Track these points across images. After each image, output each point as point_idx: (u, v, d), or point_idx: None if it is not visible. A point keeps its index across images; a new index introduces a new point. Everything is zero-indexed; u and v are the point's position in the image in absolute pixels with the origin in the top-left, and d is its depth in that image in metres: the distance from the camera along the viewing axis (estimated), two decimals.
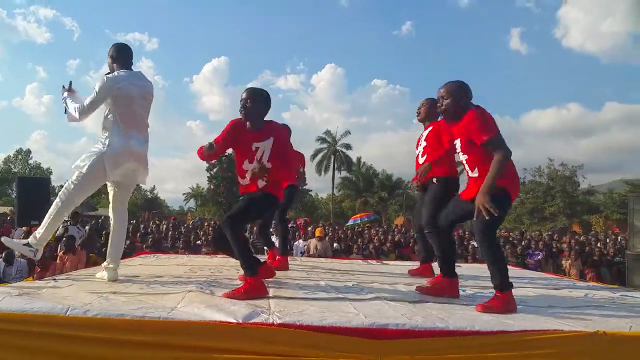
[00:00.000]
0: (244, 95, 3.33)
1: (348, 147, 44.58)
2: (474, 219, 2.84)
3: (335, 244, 10.51)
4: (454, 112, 3.06)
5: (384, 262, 6.55)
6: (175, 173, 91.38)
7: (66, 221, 9.05)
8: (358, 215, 24.99)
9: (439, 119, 4.06)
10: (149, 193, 51.23)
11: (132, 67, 3.62)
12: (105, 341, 2.17)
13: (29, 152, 52.80)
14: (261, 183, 3.30)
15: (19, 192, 10.31)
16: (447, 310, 2.71)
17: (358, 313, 2.52)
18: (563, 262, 9.81)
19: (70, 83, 3.63)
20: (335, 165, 44.23)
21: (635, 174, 42.76)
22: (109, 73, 3.51)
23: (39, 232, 3.42)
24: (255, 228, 8.59)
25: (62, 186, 3.54)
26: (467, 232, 11.86)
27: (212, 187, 38.04)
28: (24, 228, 9.03)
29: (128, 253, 6.25)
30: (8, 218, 13.68)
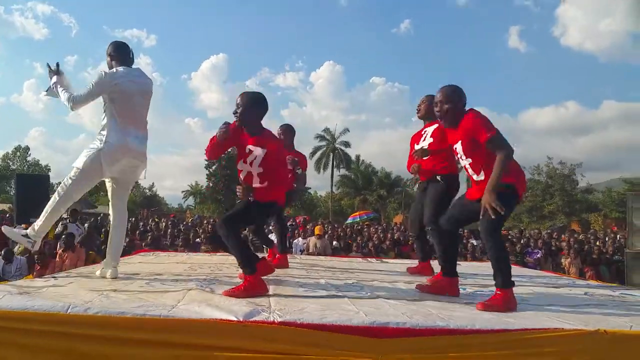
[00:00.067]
0: (238, 101, 3.31)
1: (347, 144, 44.67)
2: (480, 217, 2.84)
3: (334, 242, 10.51)
4: (452, 117, 3.06)
5: (384, 260, 6.55)
6: (174, 170, 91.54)
7: (65, 219, 9.05)
8: (357, 213, 25.03)
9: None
10: (147, 190, 51.28)
11: (133, 65, 3.62)
12: (106, 339, 2.17)
13: (27, 149, 52.83)
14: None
15: (18, 189, 10.29)
16: (448, 309, 2.71)
17: (358, 311, 2.52)
18: (562, 260, 9.82)
19: (58, 65, 3.58)
20: (334, 163, 44.27)
21: (634, 173, 42.83)
22: None
23: (37, 224, 3.45)
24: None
25: (59, 183, 3.55)
26: (465, 231, 11.86)
27: (211, 184, 38.04)
28: (22, 225, 9.00)
29: (127, 251, 6.24)
30: (7, 215, 13.65)
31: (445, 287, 3.27)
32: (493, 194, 2.76)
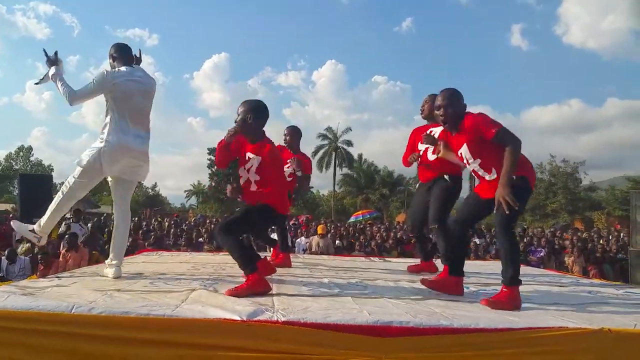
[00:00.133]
0: (239, 110, 3.32)
1: (349, 143, 44.65)
2: (494, 212, 2.84)
3: (337, 241, 10.51)
4: (455, 120, 3.06)
5: (387, 259, 6.55)
6: (176, 170, 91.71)
7: (68, 219, 9.07)
8: (360, 212, 25.03)
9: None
10: (150, 190, 51.38)
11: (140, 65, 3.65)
12: (110, 339, 2.17)
13: (30, 149, 53.00)
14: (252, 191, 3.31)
15: (21, 189, 10.32)
16: (451, 308, 2.71)
17: (362, 310, 2.52)
18: (565, 258, 9.81)
19: (56, 53, 3.57)
20: (337, 162, 44.27)
21: (637, 171, 42.90)
22: None
23: (42, 221, 3.54)
24: None
25: (63, 183, 3.59)
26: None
27: (213, 184, 38.09)
28: None
29: (130, 250, 6.25)
30: (10, 215, 13.70)
31: (450, 285, 3.25)
32: (507, 187, 2.76)
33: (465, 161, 3.12)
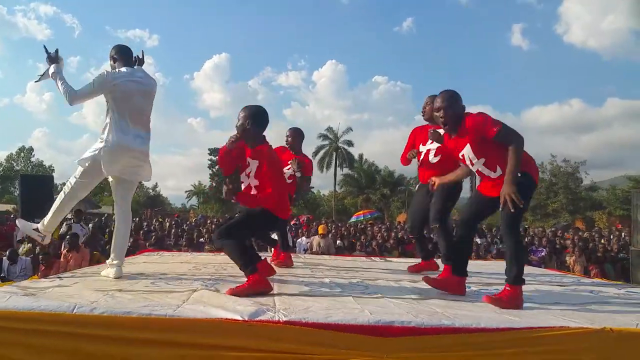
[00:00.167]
0: (239, 116, 3.33)
1: (350, 144, 44.66)
2: (500, 210, 2.84)
3: (338, 241, 10.51)
4: (455, 121, 3.06)
5: (388, 259, 6.55)
6: (176, 170, 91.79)
7: (69, 219, 9.08)
8: (361, 212, 25.04)
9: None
10: (151, 191, 51.39)
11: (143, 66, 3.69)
12: (112, 339, 2.17)
13: (31, 149, 52.96)
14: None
15: (22, 190, 10.33)
16: (453, 308, 2.70)
17: (363, 310, 2.52)
18: (567, 258, 9.80)
19: (57, 51, 3.58)
20: (337, 162, 44.27)
21: (638, 170, 42.73)
22: None
23: (46, 219, 3.62)
24: None
25: (64, 184, 3.63)
26: None
27: (214, 184, 38.12)
28: None
29: (131, 251, 6.24)
30: (12, 216, 13.71)
31: (453, 284, 3.24)
32: (513, 185, 2.77)
33: (468, 162, 3.10)
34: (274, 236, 5.03)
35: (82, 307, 2.29)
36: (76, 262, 6.93)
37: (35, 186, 10.26)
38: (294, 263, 4.81)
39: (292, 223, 13.71)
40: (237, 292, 2.86)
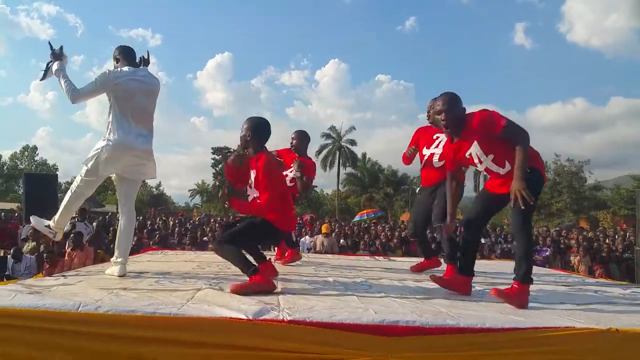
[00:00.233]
0: (243, 127, 3.38)
1: (353, 142, 44.63)
2: (511, 206, 2.83)
3: (341, 240, 10.50)
4: (456, 123, 3.05)
5: (391, 258, 6.55)
6: (180, 169, 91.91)
7: (73, 217, 9.09)
8: (365, 211, 25.01)
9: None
10: (154, 189, 51.53)
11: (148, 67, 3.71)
12: (117, 337, 2.17)
13: (35, 148, 53.25)
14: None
15: (26, 188, 10.36)
16: (457, 307, 2.70)
17: (367, 309, 2.51)
18: (571, 258, 9.76)
19: (61, 48, 3.60)
20: (340, 161, 44.25)
21: None
22: None
23: (56, 217, 3.71)
24: None
25: (67, 182, 3.69)
26: None
27: (217, 183, 38.06)
28: (31, 224, 9.08)
29: (135, 249, 6.25)
30: (16, 214, 13.77)
31: (459, 284, 3.23)
32: (523, 181, 2.76)
33: (476, 160, 3.07)
34: None
35: (87, 305, 2.29)
36: (80, 261, 6.94)
37: (39, 185, 10.28)
38: (298, 262, 4.82)
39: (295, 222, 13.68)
40: (239, 288, 2.87)
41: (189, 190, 48.30)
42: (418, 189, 4.38)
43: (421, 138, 4.36)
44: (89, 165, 3.49)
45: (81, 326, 2.19)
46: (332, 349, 2.19)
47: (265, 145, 3.39)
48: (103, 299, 2.50)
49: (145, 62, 3.74)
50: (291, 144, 4.83)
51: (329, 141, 44.53)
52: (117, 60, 3.66)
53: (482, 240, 10.61)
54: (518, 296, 2.81)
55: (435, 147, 4.13)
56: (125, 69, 3.55)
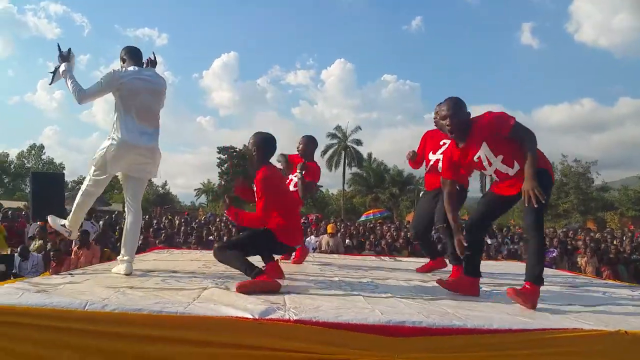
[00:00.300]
0: (249, 141, 3.48)
1: (358, 142, 44.57)
2: (525, 206, 2.81)
3: (347, 240, 10.49)
4: (462, 128, 3.04)
5: (397, 258, 6.53)
6: (186, 168, 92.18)
7: None
8: (371, 211, 24.97)
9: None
10: (160, 189, 51.67)
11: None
12: (123, 336, 2.18)
13: (42, 147, 53.56)
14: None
15: (33, 187, 10.39)
16: (464, 308, 2.68)
17: (374, 310, 2.50)
18: (578, 259, 9.70)
19: (69, 50, 3.64)
20: (346, 161, 44.21)
21: None
22: None
23: (69, 217, 3.83)
24: None
25: (74, 181, 3.73)
26: None
27: (223, 182, 38.18)
28: (38, 222, 9.13)
29: (141, 248, 6.27)
30: (23, 213, 13.82)
31: (466, 285, 3.22)
32: (534, 180, 2.76)
33: (485, 163, 3.03)
34: None
35: (94, 303, 2.29)
36: (87, 259, 6.97)
37: (46, 183, 10.30)
38: (304, 262, 4.82)
39: (301, 222, 13.66)
40: (245, 285, 2.88)
41: (195, 190, 48.57)
42: (422, 192, 4.38)
43: (428, 142, 4.36)
44: (97, 164, 3.55)
45: (88, 324, 2.20)
46: (338, 349, 2.18)
47: (270, 160, 3.48)
48: (110, 297, 2.51)
49: (153, 63, 3.79)
50: (297, 148, 4.85)
51: (335, 141, 44.54)
52: (123, 60, 3.70)
53: (489, 241, 10.57)
54: (531, 297, 2.80)
55: (440, 153, 4.13)
56: (131, 68, 3.59)
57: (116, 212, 16.96)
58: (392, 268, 4.86)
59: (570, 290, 3.74)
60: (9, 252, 8.64)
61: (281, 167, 4.76)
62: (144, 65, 3.73)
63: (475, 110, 3.07)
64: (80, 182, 43.45)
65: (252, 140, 3.45)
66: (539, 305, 2.82)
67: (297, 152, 4.85)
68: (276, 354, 2.18)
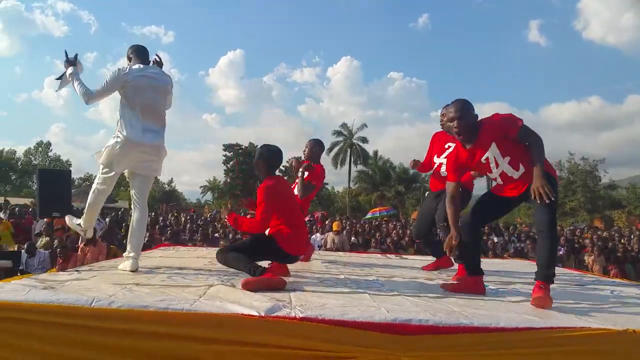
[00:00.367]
0: (257, 152, 3.57)
1: (364, 140, 44.47)
2: (537, 202, 2.79)
3: (352, 238, 10.48)
4: (469, 130, 3.02)
5: (403, 256, 6.52)
6: (191, 166, 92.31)
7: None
8: (377, 209, 24.91)
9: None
10: (166, 186, 51.80)
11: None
12: (130, 332, 2.18)
13: (49, 144, 53.77)
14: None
15: (40, 184, 10.42)
16: (471, 307, 2.67)
17: (380, 308, 2.50)
18: (585, 257, 9.65)
19: (76, 56, 3.69)
20: (352, 158, 44.14)
21: None
22: None
23: (83, 216, 3.91)
24: None
25: (81, 178, 3.77)
26: (485, 228, 11.72)
27: (228, 180, 38.29)
28: (45, 219, 9.18)
29: (147, 245, 6.31)
30: (30, 210, 13.89)
31: (471, 285, 3.21)
32: (544, 178, 2.77)
33: (493, 164, 3.02)
34: None
35: (100, 300, 2.30)
36: (93, 256, 7.00)
37: (53, 180, 10.32)
38: (309, 259, 4.82)
39: (306, 219, 13.67)
40: (250, 282, 2.90)
41: (201, 187, 48.55)
42: (427, 192, 4.39)
43: (435, 145, 4.37)
44: (104, 162, 3.59)
45: (94, 321, 2.21)
46: (344, 347, 2.18)
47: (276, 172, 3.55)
48: (116, 294, 2.52)
49: (159, 64, 3.81)
50: (303, 152, 4.89)
51: (341, 139, 44.45)
52: (129, 59, 3.73)
53: (495, 239, 10.53)
54: (549, 299, 2.77)
55: (444, 157, 4.12)
56: (135, 66, 3.62)
57: (122, 209, 17.00)
58: (398, 266, 4.85)
59: (577, 289, 3.71)
60: (15, 249, 8.69)
61: (294, 167, 4.83)
62: (150, 64, 3.75)
63: (483, 108, 3.06)
64: (86, 179, 43.76)
65: (259, 152, 3.53)
66: None
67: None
68: (282, 352, 2.18)
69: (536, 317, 2.46)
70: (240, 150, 39.62)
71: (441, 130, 4.31)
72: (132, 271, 3.44)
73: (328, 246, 9.31)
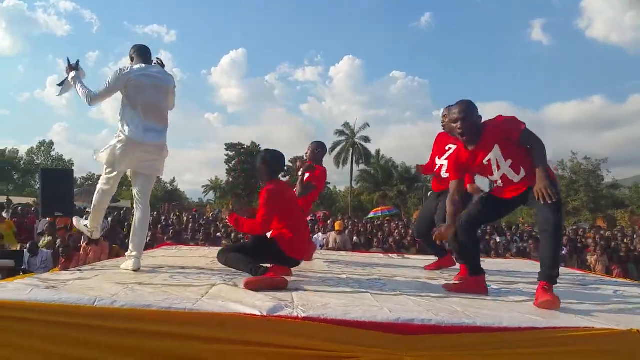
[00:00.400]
0: (259, 155, 3.59)
1: (367, 139, 44.45)
2: (541, 202, 2.78)
3: (354, 238, 10.47)
4: (473, 132, 3.02)
5: (405, 256, 6.51)
6: (193, 165, 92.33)
7: (88, 212, 9.18)
8: (379, 208, 24.89)
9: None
10: (168, 185, 51.90)
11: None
12: (132, 332, 2.18)
13: (51, 143, 53.82)
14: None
15: (43, 183, 10.44)
16: (474, 306, 2.66)
17: (382, 307, 2.50)
18: (588, 257, 9.63)
19: (78, 62, 3.72)
20: (354, 158, 44.13)
21: None
22: None
23: (90, 217, 3.97)
24: None
25: (83, 178, 3.78)
26: (487, 227, 11.70)
27: (231, 179, 38.33)
28: (47, 219, 9.19)
29: (150, 244, 6.31)
30: (32, 209, 13.91)
31: (473, 285, 3.21)
32: (547, 179, 2.77)
33: (495, 166, 3.02)
34: None
35: (103, 300, 2.30)
36: (95, 255, 7.01)
37: (55, 180, 10.34)
38: (311, 259, 4.81)
39: (308, 219, 13.67)
40: (252, 282, 2.90)
41: (203, 186, 48.60)
42: (430, 192, 4.40)
43: (437, 146, 4.36)
44: (107, 162, 3.61)
45: (97, 321, 2.20)
46: (346, 346, 2.18)
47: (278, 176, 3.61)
48: (119, 293, 2.52)
49: (161, 65, 3.81)
50: (305, 154, 4.92)
51: (343, 138, 44.46)
52: (132, 58, 3.74)
53: (498, 239, 10.51)
54: (556, 299, 2.75)
55: (445, 159, 4.11)
56: (137, 66, 3.62)
57: (125, 209, 17.02)
58: (400, 265, 4.85)
59: (580, 289, 3.70)
60: (18, 248, 8.70)
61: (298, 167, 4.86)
62: (153, 64, 3.75)
63: (485, 107, 3.06)
64: (89, 178, 43.84)
65: (261, 156, 3.55)
66: None
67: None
68: (284, 351, 2.17)
69: (539, 317, 2.46)
70: (242, 150, 39.69)
71: (442, 132, 4.31)
72: (135, 270, 3.44)
73: (330, 246, 9.30)
